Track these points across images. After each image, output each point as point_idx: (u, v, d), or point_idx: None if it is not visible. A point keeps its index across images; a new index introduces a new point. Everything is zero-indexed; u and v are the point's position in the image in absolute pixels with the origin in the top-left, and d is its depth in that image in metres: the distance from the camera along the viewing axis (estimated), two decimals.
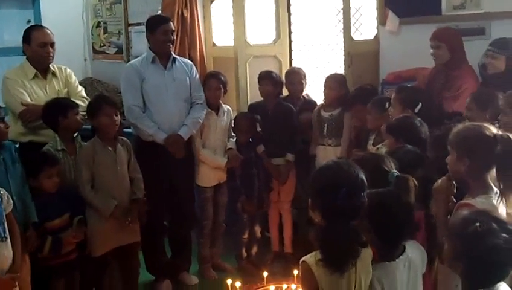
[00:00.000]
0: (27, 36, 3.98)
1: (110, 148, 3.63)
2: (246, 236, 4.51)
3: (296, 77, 4.61)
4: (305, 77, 4.66)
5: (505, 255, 1.76)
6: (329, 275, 2.00)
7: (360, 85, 4.33)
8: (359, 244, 2.02)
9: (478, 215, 1.85)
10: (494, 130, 2.34)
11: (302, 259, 2.06)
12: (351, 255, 2.00)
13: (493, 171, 2.33)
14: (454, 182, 2.41)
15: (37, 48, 3.96)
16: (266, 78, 4.49)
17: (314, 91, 4.93)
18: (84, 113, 3.78)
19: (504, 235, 1.77)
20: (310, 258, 2.04)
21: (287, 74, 4.72)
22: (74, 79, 4.21)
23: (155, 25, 4.08)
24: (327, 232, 1.99)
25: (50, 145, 3.57)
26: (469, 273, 1.83)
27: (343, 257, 1.99)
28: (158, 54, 4.10)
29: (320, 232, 2.03)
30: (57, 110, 3.61)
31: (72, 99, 3.91)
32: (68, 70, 4.19)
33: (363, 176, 2.06)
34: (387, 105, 3.76)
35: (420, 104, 3.63)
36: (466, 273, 1.84)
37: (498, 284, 1.84)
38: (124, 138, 3.79)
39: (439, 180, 2.47)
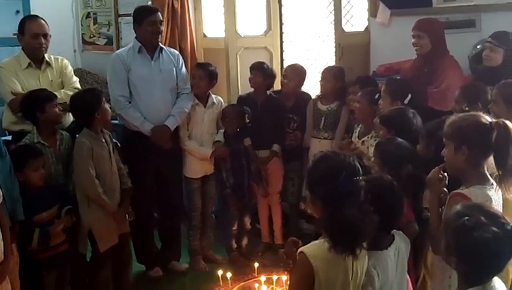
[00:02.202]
0: (21, 26, 3.97)
1: (103, 141, 3.62)
2: (235, 227, 4.51)
3: (292, 72, 4.56)
4: (302, 74, 4.60)
5: (495, 249, 1.75)
6: (333, 265, 2.00)
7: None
8: (368, 223, 2.01)
9: (469, 209, 1.85)
10: (488, 117, 2.37)
11: (299, 249, 2.05)
12: (362, 235, 2.00)
13: (490, 161, 2.35)
14: (446, 173, 2.43)
15: (29, 38, 3.94)
16: (257, 69, 4.47)
17: (305, 83, 4.90)
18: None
19: (494, 229, 1.75)
20: (308, 248, 2.04)
21: (286, 68, 4.68)
22: (70, 70, 4.18)
23: (142, 16, 4.05)
24: (334, 218, 1.98)
25: (27, 138, 3.52)
26: (462, 267, 1.84)
27: (355, 238, 1.99)
28: (145, 44, 4.07)
29: (326, 221, 2.02)
30: (34, 105, 3.54)
31: (64, 90, 3.90)
32: (65, 60, 4.17)
33: (357, 162, 2.08)
34: (377, 96, 3.77)
35: (409, 96, 3.64)
36: (459, 267, 1.85)
37: (493, 281, 1.84)
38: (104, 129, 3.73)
39: (431, 172, 2.49)
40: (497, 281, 1.86)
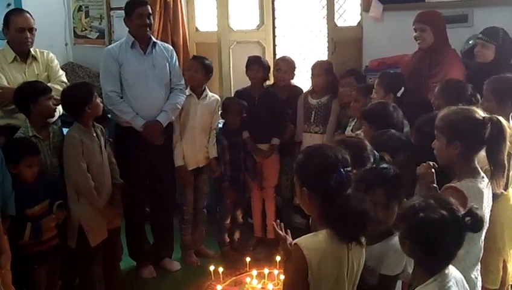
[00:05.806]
0: (6, 20, 3.93)
1: (94, 135, 3.60)
2: (228, 221, 4.51)
3: (286, 65, 4.55)
4: (294, 67, 4.60)
5: (440, 231, 1.81)
6: (328, 258, 1.99)
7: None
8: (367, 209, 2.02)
9: (422, 197, 1.94)
10: (481, 112, 2.38)
11: (294, 241, 2.04)
12: (369, 220, 2.00)
13: (480, 155, 2.36)
14: (433, 167, 2.44)
15: (15, 32, 3.91)
16: (256, 64, 4.46)
17: (298, 77, 4.92)
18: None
19: (442, 211, 1.83)
20: (302, 240, 2.02)
21: (277, 61, 4.68)
22: (56, 63, 4.15)
23: (131, 9, 4.02)
24: (340, 208, 1.97)
25: (21, 132, 3.49)
26: (415, 253, 1.91)
27: (363, 225, 1.99)
28: (137, 38, 4.04)
29: (329, 213, 2.00)
30: (28, 97, 3.51)
31: (50, 84, 3.84)
32: (50, 54, 4.14)
33: (346, 153, 2.10)
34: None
35: (403, 89, 3.65)
36: (412, 252, 1.92)
37: (448, 269, 1.90)
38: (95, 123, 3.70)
39: (421, 166, 2.49)
40: (453, 270, 1.93)
